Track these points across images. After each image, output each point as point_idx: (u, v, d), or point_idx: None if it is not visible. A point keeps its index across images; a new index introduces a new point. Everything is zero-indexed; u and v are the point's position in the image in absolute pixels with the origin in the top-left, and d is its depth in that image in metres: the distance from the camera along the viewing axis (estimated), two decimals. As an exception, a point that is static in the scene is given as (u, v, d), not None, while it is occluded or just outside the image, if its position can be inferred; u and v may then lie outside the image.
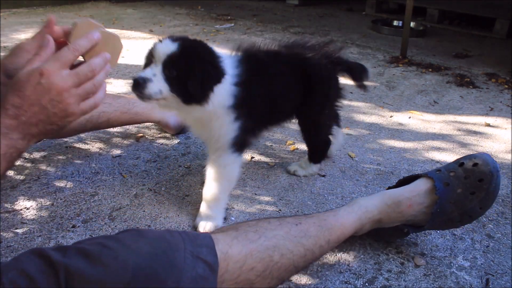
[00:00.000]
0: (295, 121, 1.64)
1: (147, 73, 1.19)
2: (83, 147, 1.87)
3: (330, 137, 1.69)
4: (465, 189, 1.22)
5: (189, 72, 1.18)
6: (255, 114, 1.37)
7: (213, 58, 1.25)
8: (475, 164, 1.23)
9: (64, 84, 0.87)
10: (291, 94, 1.49)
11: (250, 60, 1.36)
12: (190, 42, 1.25)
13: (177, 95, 1.20)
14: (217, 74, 1.23)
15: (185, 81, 1.18)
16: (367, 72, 1.60)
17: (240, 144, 1.36)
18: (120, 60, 3.02)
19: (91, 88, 0.92)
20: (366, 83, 1.58)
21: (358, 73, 1.60)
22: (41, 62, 0.87)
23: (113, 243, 0.84)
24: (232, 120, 1.30)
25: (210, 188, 1.38)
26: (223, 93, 1.26)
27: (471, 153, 2.00)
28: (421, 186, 1.28)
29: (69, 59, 0.89)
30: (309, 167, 1.72)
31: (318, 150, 1.70)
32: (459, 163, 1.27)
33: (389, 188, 1.38)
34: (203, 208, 1.40)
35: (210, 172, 1.38)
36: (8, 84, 0.87)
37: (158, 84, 1.18)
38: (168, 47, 1.19)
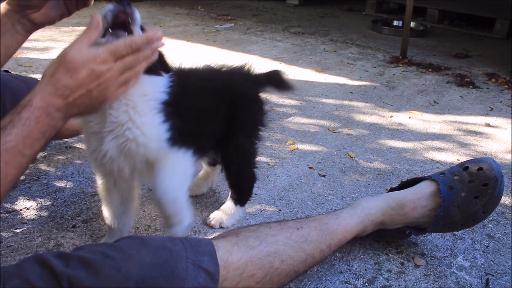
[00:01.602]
0: (219, 157, 1.41)
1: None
2: (83, 147, 1.87)
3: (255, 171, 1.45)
4: (469, 193, 1.22)
5: None
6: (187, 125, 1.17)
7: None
8: (480, 169, 1.23)
9: (113, 73, 0.90)
10: (215, 124, 1.30)
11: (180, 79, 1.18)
12: None
13: None
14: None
15: None
16: (283, 73, 1.48)
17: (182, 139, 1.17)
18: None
19: (130, 77, 0.95)
20: (288, 83, 1.47)
21: (278, 80, 1.46)
22: (90, 43, 0.90)
23: (116, 252, 0.84)
24: (162, 122, 1.11)
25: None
26: (158, 81, 1.12)
27: (471, 153, 2.02)
28: (425, 188, 1.27)
29: (121, 53, 0.90)
30: (237, 211, 1.43)
31: (246, 189, 1.44)
32: (464, 166, 1.27)
33: (391, 189, 1.38)
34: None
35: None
36: (59, 61, 0.88)
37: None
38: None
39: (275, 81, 1.46)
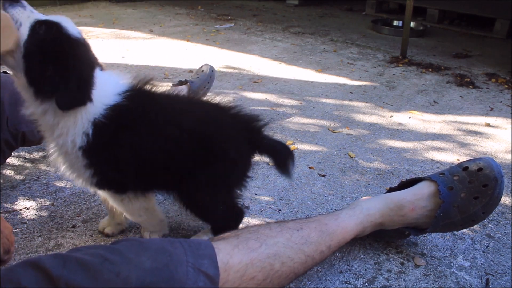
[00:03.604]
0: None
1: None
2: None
3: (238, 207, 1.29)
4: (469, 193, 1.22)
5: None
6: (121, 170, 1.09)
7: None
8: (480, 169, 1.22)
9: None
10: (176, 164, 1.13)
11: (137, 105, 1.07)
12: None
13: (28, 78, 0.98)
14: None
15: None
16: (293, 157, 1.26)
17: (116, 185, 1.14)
18: (120, 60, 3.03)
19: None
20: (290, 169, 1.24)
21: (282, 157, 1.24)
22: None
23: (115, 256, 0.82)
24: (83, 165, 1.07)
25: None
26: (77, 124, 1.02)
27: (471, 153, 2.02)
28: (424, 189, 1.27)
29: None
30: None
31: (220, 225, 1.24)
32: (463, 166, 1.26)
33: (390, 189, 1.38)
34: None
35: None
36: None
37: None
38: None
39: (279, 157, 1.25)
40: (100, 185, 1.12)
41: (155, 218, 1.28)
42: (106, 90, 1.05)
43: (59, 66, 0.97)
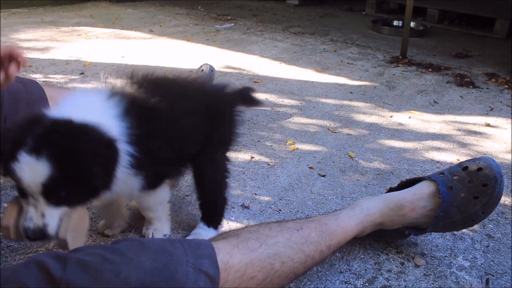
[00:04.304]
0: (190, 172, 1.34)
1: (34, 219, 0.91)
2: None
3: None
4: (468, 193, 1.22)
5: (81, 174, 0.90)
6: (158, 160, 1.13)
7: (100, 139, 0.94)
8: (480, 169, 1.22)
9: None
10: (194, 135, 1.26)
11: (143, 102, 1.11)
12: (60, 141, 0.89)
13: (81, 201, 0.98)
14: (114, 153, 0.96)
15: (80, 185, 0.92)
16: (252, 92, 1.64)
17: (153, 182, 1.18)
18: (121, 60, 3.03)
19: None
20: (255, 99, 1.62)
21: (249, 97, 1.63)
22: None
23: (115, 256, 0.83)
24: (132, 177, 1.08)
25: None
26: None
27: (471, 153, 2.03)
28: (424, 189, 1.27)
29: None
30: (209, 234, 1.34)
31: (218, 209, 1.38)
32: (463, 166, 1.26)
33: (390, 189, 1.38)
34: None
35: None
36: None
37: (54, 220, 0.92)
38: (37, 171, 0.86)
39: (248, 98, 1.61)
40: (150, 186, 1.15)
41: (166, 213, 1.31)
42: (109, 123, 0.98)
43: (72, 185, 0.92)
